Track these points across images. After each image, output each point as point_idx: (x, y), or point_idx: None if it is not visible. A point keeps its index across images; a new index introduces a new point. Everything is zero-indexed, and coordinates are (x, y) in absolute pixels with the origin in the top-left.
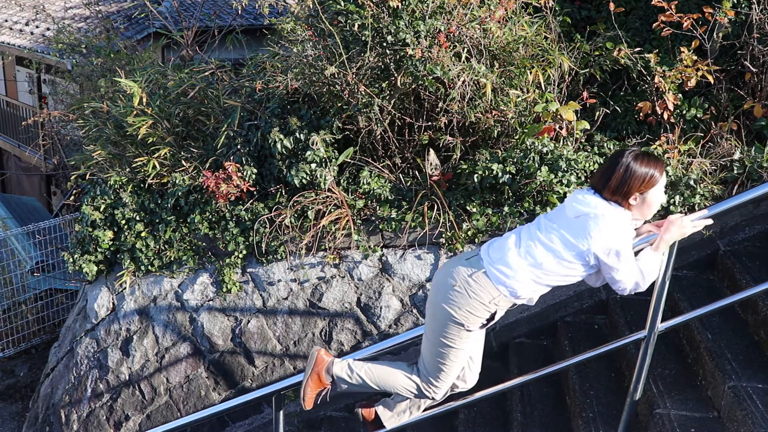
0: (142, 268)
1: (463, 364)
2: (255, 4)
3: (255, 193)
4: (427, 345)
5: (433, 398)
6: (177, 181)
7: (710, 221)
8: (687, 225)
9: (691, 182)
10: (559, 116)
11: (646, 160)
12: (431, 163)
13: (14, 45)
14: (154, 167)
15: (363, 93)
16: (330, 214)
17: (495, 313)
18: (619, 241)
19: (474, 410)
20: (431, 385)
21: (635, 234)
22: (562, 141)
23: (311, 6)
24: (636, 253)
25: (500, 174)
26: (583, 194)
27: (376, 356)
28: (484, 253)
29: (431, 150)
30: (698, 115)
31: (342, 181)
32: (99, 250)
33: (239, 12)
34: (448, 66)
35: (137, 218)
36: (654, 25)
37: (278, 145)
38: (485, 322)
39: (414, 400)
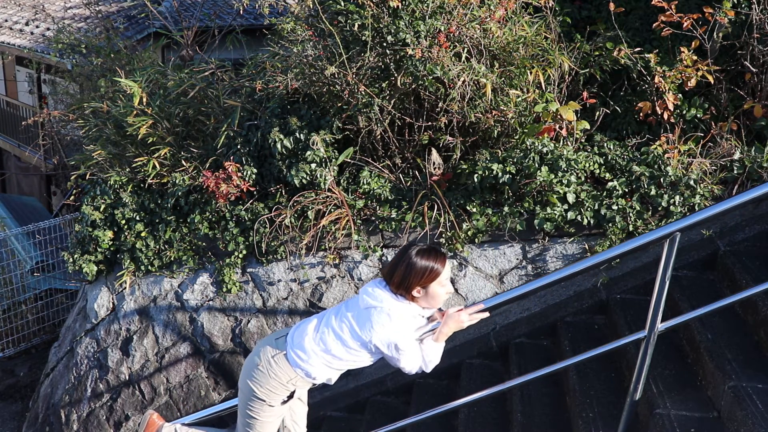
0: (142, 268)
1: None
2: (255, 4)
3: (255, 193)
4: (239, 415)
5: None
6: (177, 181)
7: (486, 314)
8: (464, 319)
9: (691, 182)
10: (559, 116)
11: (427, 255)
12: (434, 163)
13: (14, 45)
14: (154, 167)
15: (363, 93)
16: (330, 214)
17: (294, 391)
18: (398, 335)
19: (474, 410)
20: None
21: (426, 321)
22: (562, 141)
23: (311, 6)
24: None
25: (500, 174)
26: (374, 286)
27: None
28: (290, 335)
29: (433, 150)
30: (698, 115)
31: (342, 181)
32: (99, 250)
33: (239, 12)
34: (448, 66)
35: (137, 218)
36: (654, 25)
37: (278, 145)
38: (286, 399)
39: None
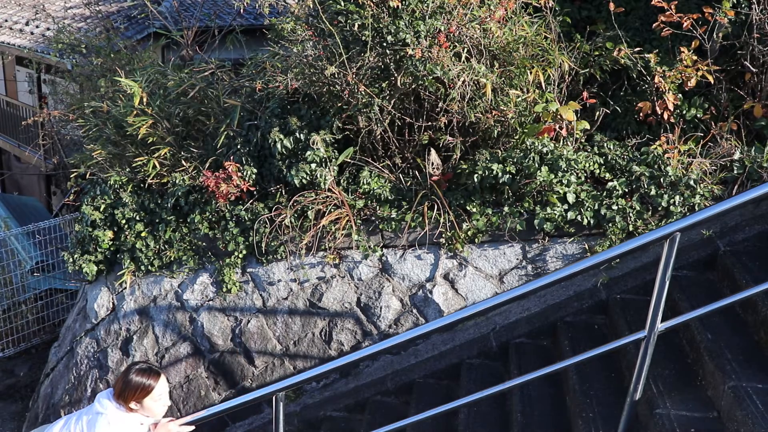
0: (142, 268)
1: None
2: (255, 4)
3: (255, 193)
4: None
5: None
6: (177, 181)
7: (193, 427)
8: (173, 428)
9: (691, 182)
10: (559, 116)
11: (142, 374)
12: (433, 163)
13: (14, 45)
14: (154, 167)
15: (363, 93)
16: (330, 214)
17: None
18: None
19: (474, 410)
20: None
21: (149, 429)
22: (562, 141)
23: (311, 6)
24: None
25: (500, 174)
26: (104, 396)
27: None
28: None
29: (432, 149)
30: (698, 115)
31: (342, 181)
32: (99, 250)
33: (239, 12)
34: (448, 66)
35: (137, 218)
36: (654, 25)
37: (278, 145)
38: None
39: None
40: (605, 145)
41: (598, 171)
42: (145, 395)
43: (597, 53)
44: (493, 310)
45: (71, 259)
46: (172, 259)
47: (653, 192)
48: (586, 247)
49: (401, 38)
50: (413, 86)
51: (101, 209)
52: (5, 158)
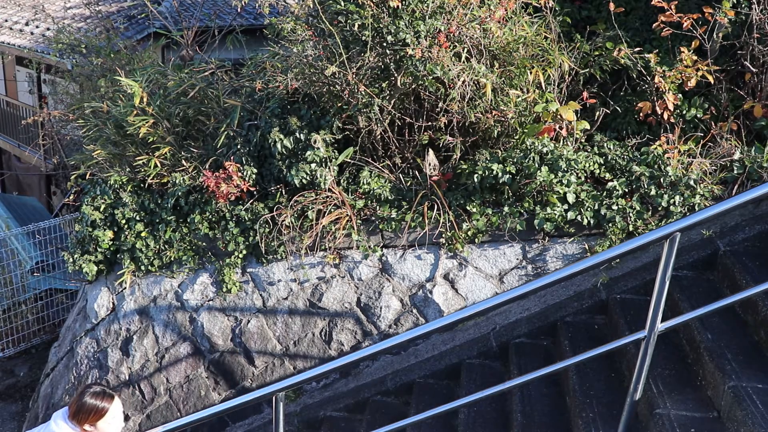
0: (142, 268)
1: None
2: (255, 4)
3: (255, 193)
4: None
5: None
6: (177, 181)
7: None
8: None
9: (691, 182)
10: (559, 116)
11: (96, 396)
12: (430, 163)
13: (14, 45)
14: (155, 166)
15: (363, 93)
16: (330, 214)
17: None
18: None
19: (474, 410)
20: None
21: None
22: (562, 141)
23: (311, 6)
24: None
25: (500, 174)
26: (60, 416)
27: None
28: None
29: (430, 150)
30: (698, 115)
31: (342, 181)
32: (99, 250)
33: (239, 12)
34: (448, 66)
35: (137, 218)
36: (654, 25)
37: (278, 145)
38: None
39: None
40: (605, 145)
41: (598, 171)
42: (98, 418)
43: (597, 53)
44: (493, 310)
45: (71, 259)
46: (172, 259)
47: (653, 192)
48: (586, 247)
49: (401, 38)
50: (413, 86)
51: (101, 209)
52: (5, 158)
